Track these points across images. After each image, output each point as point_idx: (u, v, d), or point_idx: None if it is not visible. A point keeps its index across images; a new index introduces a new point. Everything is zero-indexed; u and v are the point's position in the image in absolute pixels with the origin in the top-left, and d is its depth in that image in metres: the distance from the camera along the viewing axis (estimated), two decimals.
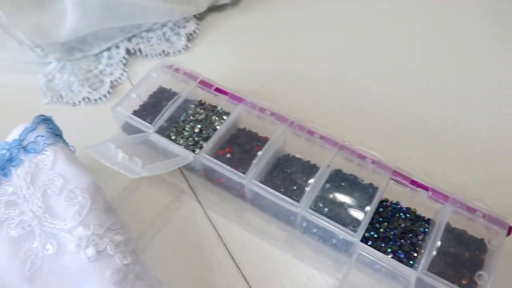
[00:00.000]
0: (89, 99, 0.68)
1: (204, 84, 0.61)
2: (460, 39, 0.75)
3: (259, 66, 0.72)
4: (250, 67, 0.72)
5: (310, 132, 0.56)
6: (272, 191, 0.52)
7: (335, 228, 0.49)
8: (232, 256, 0.54)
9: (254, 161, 0.54)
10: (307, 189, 0.52)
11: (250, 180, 0.53)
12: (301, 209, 0.50)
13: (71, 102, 0.68)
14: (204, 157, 0.55)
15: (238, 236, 0.55)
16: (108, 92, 0.69)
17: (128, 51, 0.73)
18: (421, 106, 0.67)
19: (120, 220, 0.52)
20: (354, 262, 0.48)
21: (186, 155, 0.55)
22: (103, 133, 0.64)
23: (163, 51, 0.73)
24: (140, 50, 0.73)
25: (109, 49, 0.73)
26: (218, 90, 0.61)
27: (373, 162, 0.54)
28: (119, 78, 0.70)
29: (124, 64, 0.72)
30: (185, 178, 0.60)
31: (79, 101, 0.68)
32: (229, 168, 0.53)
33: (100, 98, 0.68)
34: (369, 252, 0.48)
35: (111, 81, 0.70)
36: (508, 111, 0.66)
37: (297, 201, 0.51)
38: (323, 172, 0.53)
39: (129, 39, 0.73)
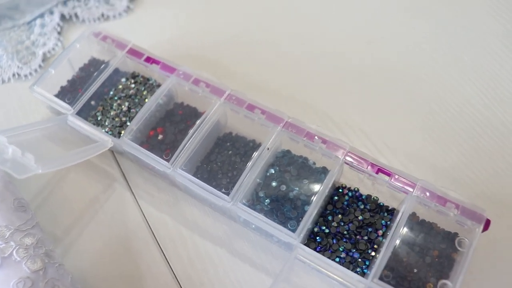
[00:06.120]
0: (19, 75, 0.60)
1: (133, 53, 0.52)
2: None
3: (212, 28, 0.62)
4: (202, 29, 0.62)
5: (250, 107, 0.46)
6: (198, 181, 0.43)
7: (271, 227, 0.40)
8: (163, 253, 0.47)
9: (181, 146, 0.45)
10: (242, 178, 0.43)
11: (174, 170, 0.44)
12: (232, 203, 0.42)
13: (0, 80, 0.60)
14: (125, 142, 0.46)
15: (171, 229, 0.48)
16: (40, 66, 0.61)
17: (63, 17, 0.64)
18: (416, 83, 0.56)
19: (34, 218, 0.46)
20: (291, 263, 0.39)
21: (103, 141, 0.46)
22: (32, 115, 0.57)
23: (102, 15, 0.64)
24: (76, 15, 0.64)
25: (42, 15, 0.64)
26: (149, 59, 0.51)
27: (324, 142, 0.44)
28: (53, 49, 0.62)
29: (58, 33, 0.63)
30: (118, 164, 0.52)
31: (9, 78, 0.60)
32: (150, 155, 0.45)
33: (30, 74, 0.60)
34: (308, 256, 0.39)
35: (43, 53, 0.61)
36: None
37: (227, 193, 0.42)
38: (262, 156, 0.44)
39: (64, 3, 0.64)
